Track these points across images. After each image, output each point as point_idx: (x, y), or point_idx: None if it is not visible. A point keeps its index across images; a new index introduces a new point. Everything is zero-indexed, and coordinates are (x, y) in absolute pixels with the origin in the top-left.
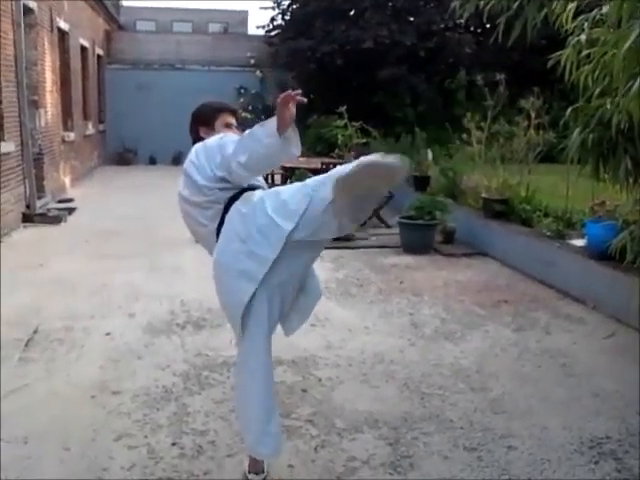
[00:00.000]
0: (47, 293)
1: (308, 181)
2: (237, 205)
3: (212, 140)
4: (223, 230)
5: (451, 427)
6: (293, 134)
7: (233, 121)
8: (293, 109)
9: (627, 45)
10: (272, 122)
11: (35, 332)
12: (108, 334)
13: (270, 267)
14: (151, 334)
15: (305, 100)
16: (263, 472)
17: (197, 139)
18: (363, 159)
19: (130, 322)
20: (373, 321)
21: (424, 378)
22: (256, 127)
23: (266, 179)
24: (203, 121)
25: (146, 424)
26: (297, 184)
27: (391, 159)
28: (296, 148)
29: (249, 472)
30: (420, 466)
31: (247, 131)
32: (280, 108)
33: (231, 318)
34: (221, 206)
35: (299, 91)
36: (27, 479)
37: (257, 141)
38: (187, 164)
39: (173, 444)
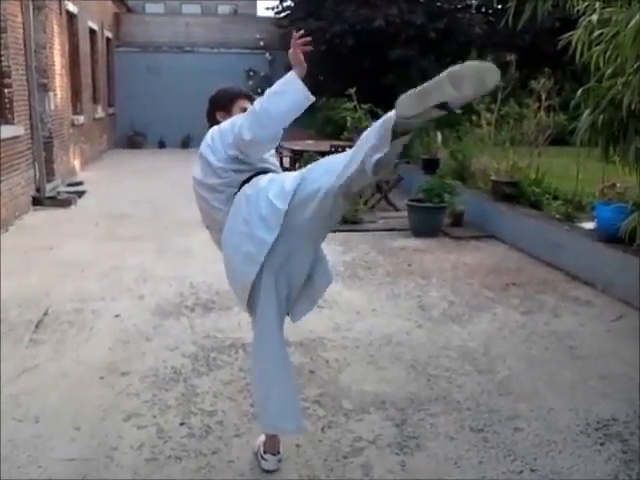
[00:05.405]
0: (57, 275)
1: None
2: (245, 187)
3: (226, 122)
4: (231, 211)
5: (457, 408)
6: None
7: (249, 106)
8: (300, 55)
9: (633, 23)
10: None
11: (45, 314)
12: (117, 316)
13: (273, 249)
14: (160, 316)
15: (311, 48)
16: (279, 453)
17: (214, 124)
18: (451, 68)
19: (139, 304)
20: (381, 303)
21: (431, 360)
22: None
23: None
24: (220, 106)
25: (155, 404)
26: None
27: (485, 63)
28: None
29: (265, 452)
30: (426, 447)
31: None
32: (293, 51)
33: (239, 298)
34: (235, 189)
35: (306, 37)
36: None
37: (274, 94)
38: (203, 147)
39: (181, 424)
